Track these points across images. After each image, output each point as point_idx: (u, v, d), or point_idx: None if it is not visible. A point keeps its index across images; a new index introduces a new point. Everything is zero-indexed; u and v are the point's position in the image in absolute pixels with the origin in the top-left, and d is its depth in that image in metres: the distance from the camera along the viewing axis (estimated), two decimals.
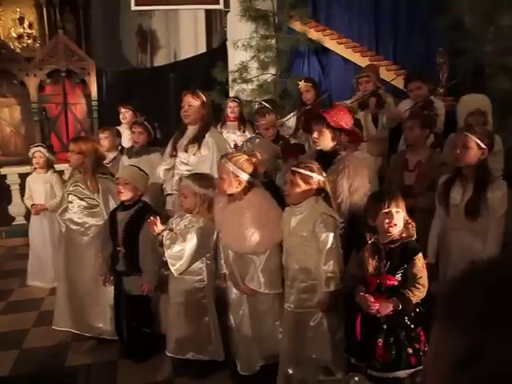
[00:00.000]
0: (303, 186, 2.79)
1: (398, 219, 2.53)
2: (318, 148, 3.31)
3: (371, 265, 2.55)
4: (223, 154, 3.57)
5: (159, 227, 3.19)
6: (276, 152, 3.91)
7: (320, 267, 2.74)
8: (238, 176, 2.99)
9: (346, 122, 3.21)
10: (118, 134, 4.95)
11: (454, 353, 0.56)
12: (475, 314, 0.56)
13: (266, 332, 3.17)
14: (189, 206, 3.26)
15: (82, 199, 3.78)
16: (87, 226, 3.79)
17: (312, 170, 2.80)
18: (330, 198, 2.85)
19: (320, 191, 2.82)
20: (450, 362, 0.56)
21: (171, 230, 3.28)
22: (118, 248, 3.51)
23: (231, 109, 5.36)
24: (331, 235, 2.72)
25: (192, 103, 3.84)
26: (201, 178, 3.28)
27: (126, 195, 3.49)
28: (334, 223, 2.77)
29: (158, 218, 3.26)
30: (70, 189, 3.82)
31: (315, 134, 3.30)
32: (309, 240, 2.78)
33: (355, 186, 3.08)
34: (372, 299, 2.50)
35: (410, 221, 2.58)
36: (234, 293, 3.23)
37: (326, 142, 3.24)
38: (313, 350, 2.87)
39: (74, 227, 3.81)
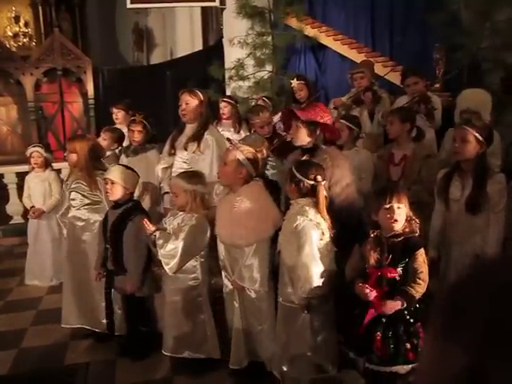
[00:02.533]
0: (291, 186, 2.85)
1: (400, 215, 2.53)
2: (296, 144, 3.30)
3: (373, 257, 2.55)
4: (222, 151, 3.62)
5: (151, 227, 3.21)
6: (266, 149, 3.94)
7: (296, 271, 2.77)
8: (242, 165, 3.05)
9: (320, 116, 3.18)
10: (122, 136, 4.89)
11: (453, 371, 0.50)
12: (476, 331, 0.50)
13: (252, 331, 3.20)
14: (181, 204, 3.27)
15: (84, 196, 3.81)
16: (92, 222, 3.81)
17: (303, 174, 2.81)
18: (320, 204, 2.81)
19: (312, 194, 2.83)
20: (448, 381, 0.51)
21: (164, 229, 3.29)
22: (107, 246, 3.53)
23: (222, 109, 5.36)
24: (309, 241, 2.73)
25: (190, 102, 3.82)
26: (189, 176, 3.30)
27: (114, 195, 3.49)
28: (316, 229, 2.75)
29: (146, 218, 3.28)
30: (72, 186, 3.84)
31: (292, 130, 3.29)
32: (290, 239, 2.82)
33: (336, 178, 3.05)
34: (368, 288, 2.51)
35: (413, 217, 2.58)
36: (227, 287, 3.26)
37: (302, 137, 3.21)
38: (297, 347, 2.91)
39: (78, 224, 3.84)
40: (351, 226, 2.86)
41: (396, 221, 2.52)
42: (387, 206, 2.52)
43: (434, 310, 0.55)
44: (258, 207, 3.05)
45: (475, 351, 0.49)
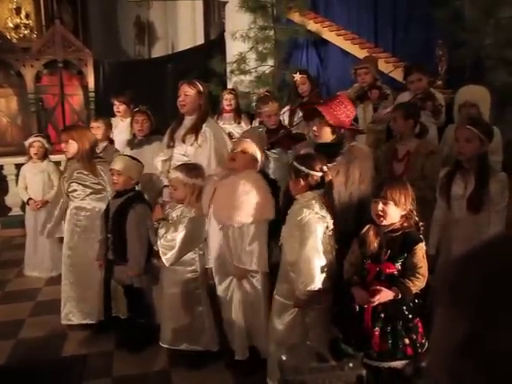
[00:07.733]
0: (297, 181, 2.80)
1: (386, 211, 2.50)
2: (318, 141, 3.23)
3: (372, 243, 2.54)
4: (220, 144, 3.61)
5: (159, 215, 3.22)
6: (263, 142, 3.93)
7: (298, 265, 2.75)
8: (257, 160, 3.13)
9: (347, 115, 3.13)
10: (110, 126, 4.95)
11: (456, 337, 0.59)
12: (472, 302, 0.59)
13: (250, 320, 3.20)
14: (179, 197, 3.27)
15: (86, 186, 3.81)
16: (97, 210, 3.80)
17: (310, 167, 2.77)
18: (327, 195, 2.78)
19: (319, 186, 2.80)
20: (453, 346, 0.59)
21: (168, 219, 3.28)
22: (109, 236, 3.53)
23: (228, 101, 5.32)
24: (313, 235, 2.70)
25: (188, 93, 3.79)
26: (189, 169, 3.29)
27: (120, 185, 3.51)
28: (321, 223, 2.73)
29: (147, 208, 3.33)
30: (73, 177, 3.82)
31: (315, 128, 3.21)
32: (293, 233, 2.80)
33: (363, 175, 3.08)
34: (364, 294, 2.50)
35: (411, 212, 2.56)
36: (224, 283, 3.24)
37: (326, 136, 3.17)
38: (291, 339, 2.90)
39: (83, 213, 3.82)
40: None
41: (380, 216, 2.51)
42: (375, 200, 2.54)
43: (443, 285, 0.63)
44: (260, 189, 3.07)
45: (473, 318, 0.58)
